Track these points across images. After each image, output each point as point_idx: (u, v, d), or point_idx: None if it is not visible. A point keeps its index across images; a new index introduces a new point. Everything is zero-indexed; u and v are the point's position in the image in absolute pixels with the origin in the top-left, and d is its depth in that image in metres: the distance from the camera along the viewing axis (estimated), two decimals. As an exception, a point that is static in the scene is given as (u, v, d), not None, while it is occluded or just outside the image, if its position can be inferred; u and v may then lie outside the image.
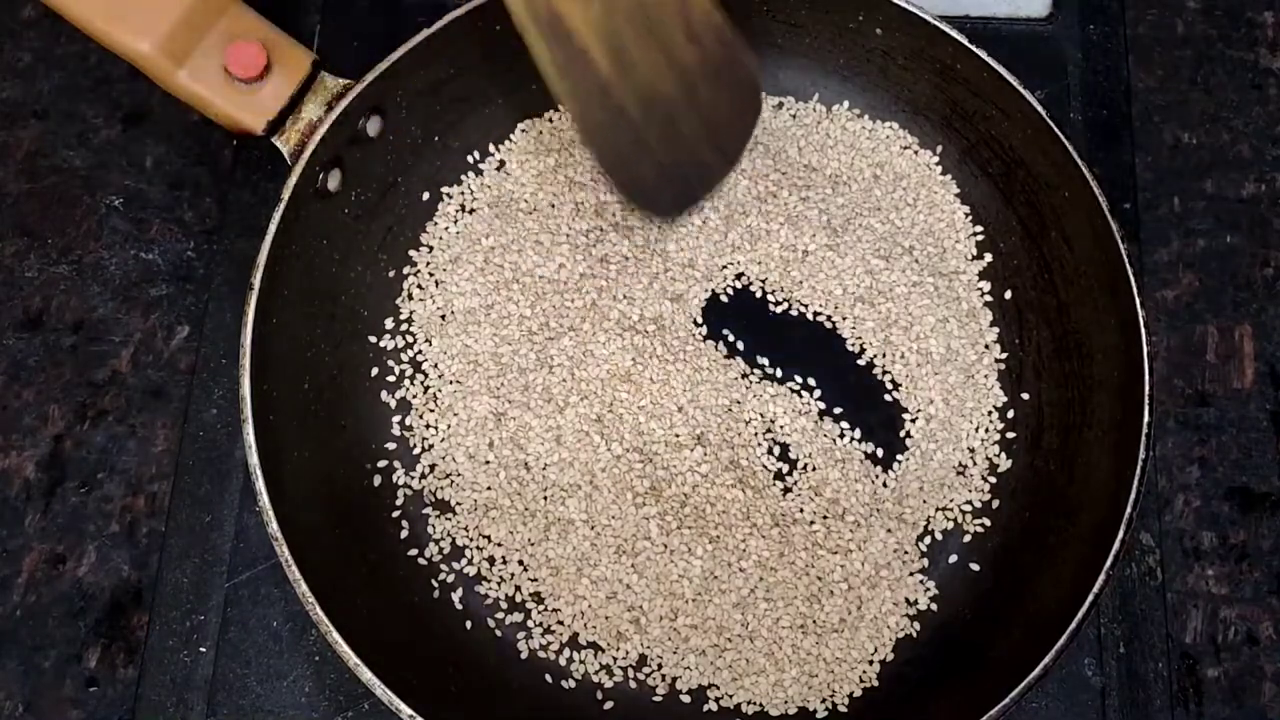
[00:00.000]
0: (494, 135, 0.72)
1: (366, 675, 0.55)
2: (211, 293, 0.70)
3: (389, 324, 0.68)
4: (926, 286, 0.69)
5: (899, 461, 0.66)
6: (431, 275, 0.69)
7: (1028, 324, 0.68)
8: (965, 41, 0.66)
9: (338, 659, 0.56)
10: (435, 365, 0.67)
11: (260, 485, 0.58)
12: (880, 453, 0.66)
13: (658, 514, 0.64)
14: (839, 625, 0.63)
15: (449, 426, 0.66)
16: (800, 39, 0.72)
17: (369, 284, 0.68)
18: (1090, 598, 0.57)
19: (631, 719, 0.62)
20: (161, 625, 0.64)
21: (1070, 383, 0.66)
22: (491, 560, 0.64)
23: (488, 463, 0.65)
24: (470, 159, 0.71)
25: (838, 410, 0.67)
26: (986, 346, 0.69)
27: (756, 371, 0.67)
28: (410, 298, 0.69)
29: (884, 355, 0.68)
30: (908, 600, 0.64)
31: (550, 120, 0.72)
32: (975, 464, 0.67)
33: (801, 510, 0.64)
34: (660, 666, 0.62)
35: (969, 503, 0.66)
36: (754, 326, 0.69)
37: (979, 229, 0.71)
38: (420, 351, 0.68)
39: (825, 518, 0.64)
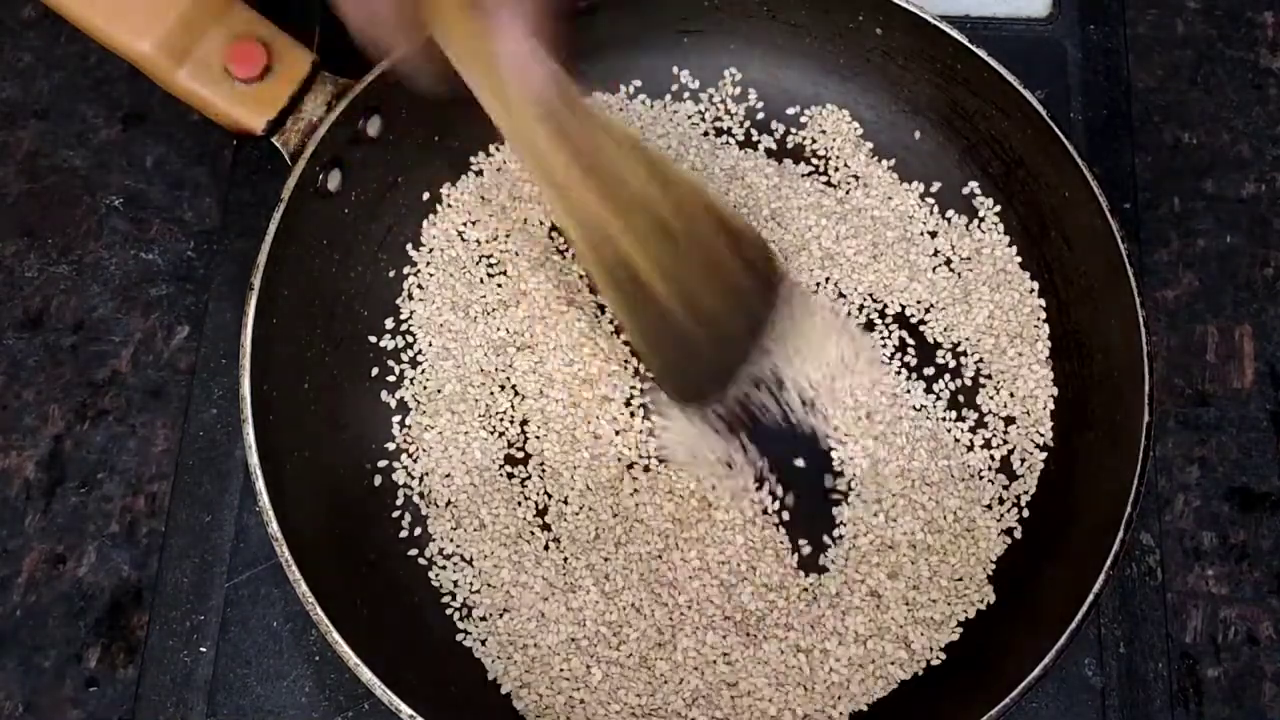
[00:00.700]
0: (494, 135, 0.71)
1: (366, 675, 0.55)
2: (211, 293, 0.70)
3: (389, 324, 0.68)
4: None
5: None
6: (432, 275, 0.69)
7: (1028, 324, 0.69)
8: (965, 41, 0.66)
9: (338, 659, 0.56)
10: (435, 365, 0.67)
11: (260, 485, 0.58)
12: (880, 452, 0.66)
13: (670, 511, 0.64)
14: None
15: (449, 426, 0.66)
16: (800, 39, 0.72)
17: (369, 284, 0.68)
18: (1090, 598, 0.57)
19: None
20: (161, 625, 0.64)
21: (1070, 383, 0.66)
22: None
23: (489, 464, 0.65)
24: (470, 159, 0.71)
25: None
26: (986, 346, 0.69)
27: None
28: (410, 298, 0.69)
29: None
30: (908, 600, 0.64)
31: (550, 120, 0.72)
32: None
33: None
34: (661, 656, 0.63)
35: (969, 502, 0.66)
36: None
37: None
38: (420, 351, 0.68)
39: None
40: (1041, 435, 0.66)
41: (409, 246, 0.70)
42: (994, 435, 0.66)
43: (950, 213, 0.70)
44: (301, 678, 0.63)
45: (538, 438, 0.66)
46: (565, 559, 0.64)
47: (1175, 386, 0.70)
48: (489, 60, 0.52)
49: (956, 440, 0.65)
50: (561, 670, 0.61)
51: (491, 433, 0.66)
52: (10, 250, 0.73)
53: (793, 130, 0.73)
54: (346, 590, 0.59)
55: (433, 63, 0.53)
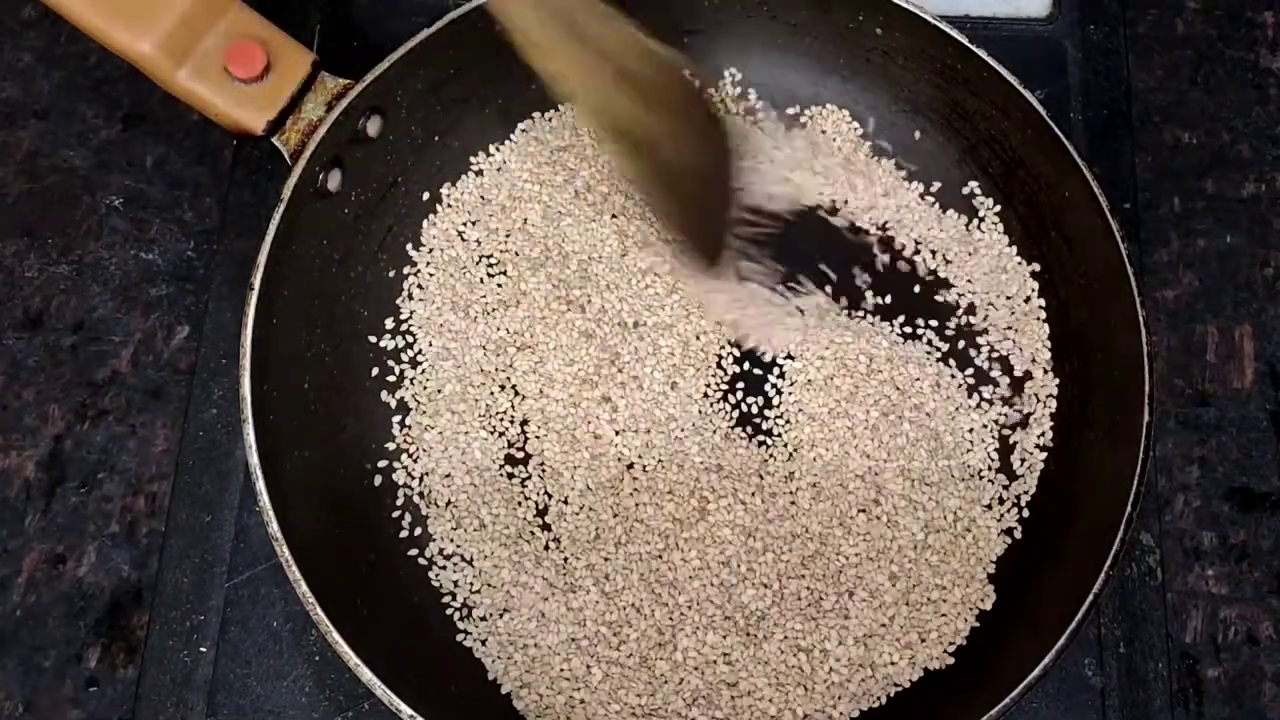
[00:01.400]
0: (494, 135, 0.72)
1: (366, 675, 0.55)
2: (211, 293, 0.70)
3: (389, 324, 0.68)
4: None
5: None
6: (432, 275, 0.69)
7: (1028, 324, 0.69)
8: (965, 41, 0.66)
9: (338, 659, 0.56)
10: (435, 365, 0.67)
11: (260, 485, 0.58)
12: (880, 453, 0.66)
13: (670, 511, 0.64)
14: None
15: (449, 426, 0.66)
16: (800, 39, 0.72)
17: (369, 284, 0.68)
18: (1090, 598, 0.57)
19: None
20: (161, 625, 0.64)
21: (1070, 383, 0.66)
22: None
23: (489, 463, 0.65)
24: (470, 159, 0.71)
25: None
26: (986, 346, 0.69)
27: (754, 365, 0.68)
28: (410, 298, 0.69)
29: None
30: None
31: (550, 121, 0.72)
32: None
33: (807, 529, 0.64)
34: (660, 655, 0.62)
35: (970, 502, 0.66)
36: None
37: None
38: (420, 351, 0.68)
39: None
40: (1041, 435, 0.66)
41: (409, 246, 0.70)
42: (995, 392, 0.67)
43: (950, 212, 0.71)
44: (301, 678, 0.63)
45: (538, 438, 0.66)
46: (565, 559, 0.64)
47: (1175, 386, 0.70)
48: None
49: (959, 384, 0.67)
50: (562, 670, 0.61)
51: (491, 433, 0.66)
52: (10, 250, 0.73)
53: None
54: (346, 590, 0.59)
55: None
